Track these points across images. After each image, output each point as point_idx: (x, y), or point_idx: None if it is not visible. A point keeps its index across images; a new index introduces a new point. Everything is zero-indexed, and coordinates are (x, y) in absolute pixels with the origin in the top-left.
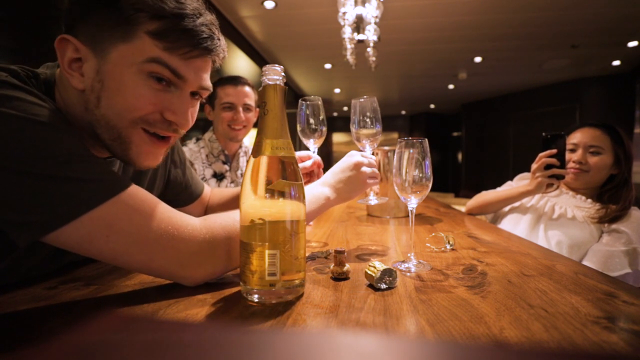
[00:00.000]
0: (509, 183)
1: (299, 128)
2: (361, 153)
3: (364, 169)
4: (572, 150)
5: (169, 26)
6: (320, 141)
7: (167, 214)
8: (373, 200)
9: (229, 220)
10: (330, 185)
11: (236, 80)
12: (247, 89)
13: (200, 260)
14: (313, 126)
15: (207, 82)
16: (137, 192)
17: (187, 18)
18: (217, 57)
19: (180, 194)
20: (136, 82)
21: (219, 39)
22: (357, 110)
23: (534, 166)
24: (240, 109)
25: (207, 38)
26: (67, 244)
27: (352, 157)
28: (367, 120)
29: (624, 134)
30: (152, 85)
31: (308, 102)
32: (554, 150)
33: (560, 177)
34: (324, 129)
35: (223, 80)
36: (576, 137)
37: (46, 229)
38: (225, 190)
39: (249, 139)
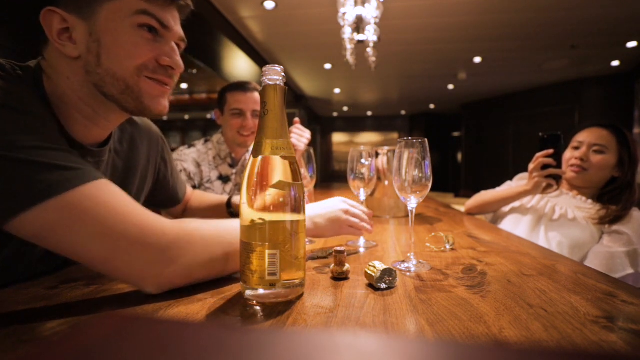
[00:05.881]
0: (508, 183)
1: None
2: (351, 202)
3: (347, 216)
4: (577, 148)
5: None
6: (310, 186)
7: (137, 210)
8: (362, 246)
9: (204, 225)
10: (308, 216)
11: (245, 87)
12: (257, 95)
13: (169, 258)
14: (303, 174)
15: (182, 32)
16: (106, 185)
17: None
18: (183, 7)
19: (167, 193)
20: (131, 33)
21: None
22: (354, 160)
23: (531, 166)
24: (249, 115)
25: None
26: (28, 233)
27: (340, 202)
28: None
29: (631, 137)
30: (145, 35)
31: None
32: (551, 151)
33: (557, 178)
34: (314, 176)
35: (232, 86)
36: (582, 136)
37: (8, 214)
38: (206, 196)
39: None
